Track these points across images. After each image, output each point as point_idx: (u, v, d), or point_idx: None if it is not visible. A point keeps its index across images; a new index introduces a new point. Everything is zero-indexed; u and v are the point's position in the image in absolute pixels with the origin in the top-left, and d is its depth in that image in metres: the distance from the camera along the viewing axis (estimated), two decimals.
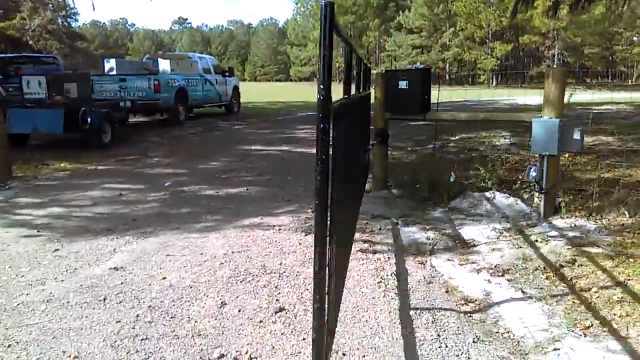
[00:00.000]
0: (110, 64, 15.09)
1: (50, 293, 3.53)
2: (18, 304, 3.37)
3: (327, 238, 1.84)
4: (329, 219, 1.82)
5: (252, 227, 4.97)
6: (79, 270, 3.95)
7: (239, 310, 3.23)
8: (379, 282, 3.64)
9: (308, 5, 76.40)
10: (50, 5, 45.72)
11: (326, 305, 1.91)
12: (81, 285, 3.65)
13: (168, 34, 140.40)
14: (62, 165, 8.67)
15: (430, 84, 5.98)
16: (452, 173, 6.01)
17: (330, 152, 1.78)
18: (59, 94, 10.45)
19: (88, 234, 4.82)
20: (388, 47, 68.47)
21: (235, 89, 18.50)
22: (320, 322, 1.85)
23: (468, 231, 4.81)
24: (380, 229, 4.92)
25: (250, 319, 3.12)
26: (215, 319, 3.12)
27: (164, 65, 14.68)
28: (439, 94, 6.36)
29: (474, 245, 4.45)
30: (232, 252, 4.27)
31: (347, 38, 2.53)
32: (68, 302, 3.41)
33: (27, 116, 9.99)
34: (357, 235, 4.68)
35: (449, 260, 4.12)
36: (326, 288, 1.89)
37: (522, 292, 3.52)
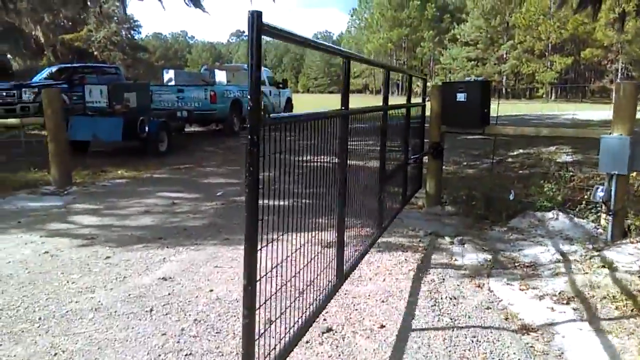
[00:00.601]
0: (169, 74, 15.49)
1: (99, 301, 3.53)
2: (67, 311, 3.38)
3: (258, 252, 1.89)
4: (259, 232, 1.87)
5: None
6: (128, 279, 3.95)
7: (285, 328, 3.11)
8: (432, 306, 3.45)
9: (362, 17, 76.56)
10: (115, 18, 47.86)
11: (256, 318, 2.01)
12: (129, 295, 3.64)
13: (226, 46, 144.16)
14: (119, 172, 8.87)
15: (490, 97, 5.74)
16: (512, 191, 5.72)
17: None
18: (119, 103, 10.76)
19: (140, 243, 4.85)
20: (443, 60, 67.59)
21: (289, 100, 18.61)
22: (249, 338, 1.99)
23: (528, 253, 4.54)
24: (433, 247, 4.71)
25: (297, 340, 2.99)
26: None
27: (221, 76, 14.94)
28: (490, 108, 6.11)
29: (535, 269, 4.18)
30: (280, 266, 4.16)
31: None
32: (115, 311, 3.40)
33: (88, 124, 10.32)
34: (409, 253, 4.51)
35: (508, 284, 3.87)
36: (257, 303, 1.99)
37: (589, 322, 3.24)
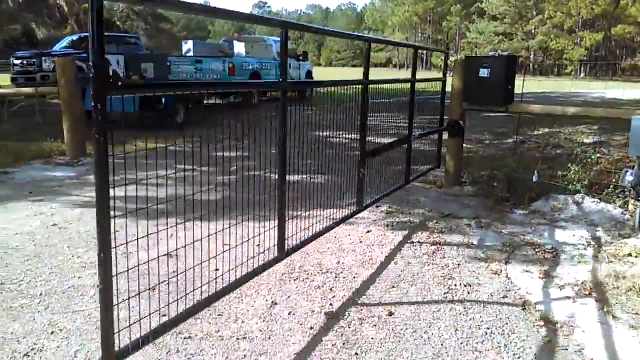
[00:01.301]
0: (187, 45, 15.30)
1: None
2: (69, 287, 3.30)
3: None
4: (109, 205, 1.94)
5: (312, 220, 4.72)
6: (133, 254, 3.85)
7: (290, 313, 2.99)
8: (445, 293, 3.28)
9: None
10: None
11: (113, 287, 2.02)
12: (132, 272, 3.54)
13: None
14: (135, 144, 8.79)
15: (515, 74, 5.45)
16: (536, 172, 5.47)
17: None
18: (136, 73, 10.65)
19: (149, 217, 4.74)
20: (469, 35, 66.04)
21: (309, 73, 18.32)
22: (107, 303, 2.00)
23: (550, 239, 4.33)
24: (450, 230, 4.52)
25: (301, 324, 2.87)
26: (264, 321, 2.90)
27: (239, 48, 14.70)
28: (516, 84, 5.82)
29: (557, 256, 3.97)
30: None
31: None
32: (118, 289, 3.30)
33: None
34: (424, 236, 4.33)
35: (527, 271, 3.68)
36: (113, 270, 2.01)
37: (613, 316, 3.05)
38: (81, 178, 6.30)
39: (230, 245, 3.04)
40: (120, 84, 1.97)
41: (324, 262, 3.73)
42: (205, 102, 15.33)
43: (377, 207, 5.12)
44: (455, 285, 3.40)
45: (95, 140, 1.81)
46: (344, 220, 3.91)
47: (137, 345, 2.18)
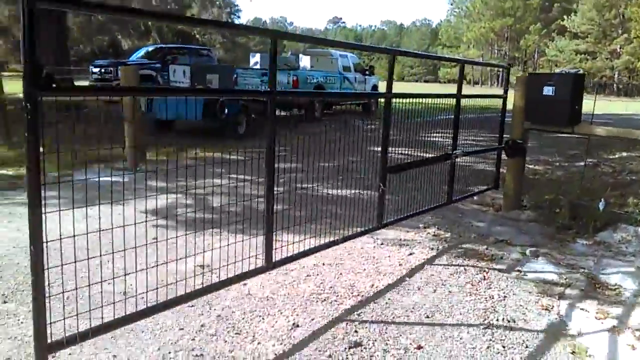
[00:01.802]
0: (255, 58, 15.55)
1: (131, 284, 3.40)
2: (97, 293, 3.27)
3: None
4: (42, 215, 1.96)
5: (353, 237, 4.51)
6: (167, 263, 3.80)
7: (310, 337, 2.80)
8: (485, 328, 2.98)
9: (463, 6, 73.66)
10: (217, 2, 49.62)
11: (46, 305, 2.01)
12: (162, 280, 3.48)
13: (323, 32, 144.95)
14: (195, 152, 8.93)
15: (583, 93, 5.02)
16: (602, 200, 5.00)
17: None
18: (201, 84, 10.88)
19: (190, 226, 4.70)
20: (548, 52, 63.55)
21: (374, 88, 18.12)
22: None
23: (614, 274, 3.89)
24: (502, 257, 4.18)
25: (320, 351, 2.67)
26: (281, 344, 2.73)
27: (305, 61, 14.76)
28: (597, 105, 5.37)
29: (620, 294, 3.55)
30: (323, 264, 3.85)
31: None
32: (142, 298, 3.25)
33: (171, 103, 10.51)
34: (471, 262, 4.02)
35: (582, 309, 3.30)
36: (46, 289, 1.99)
37: None
38: (134, 184, 6.41)
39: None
40: (54, 85, 1.94)
41: (357, 284, 3.52)
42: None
43: (425, 228, 4.85)
44: (497, 320, 3.09)
45: (26, 140, 1.84)
46: (355, 236, 3.77)
47: (74, 339, 2.22)
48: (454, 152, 4.62)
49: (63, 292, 2.61)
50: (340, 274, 3.68)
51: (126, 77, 7.45)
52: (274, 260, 3.06)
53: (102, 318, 2.43)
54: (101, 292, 2.73)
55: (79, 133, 8.50)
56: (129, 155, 7.62)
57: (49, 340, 2.07)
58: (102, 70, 16.91)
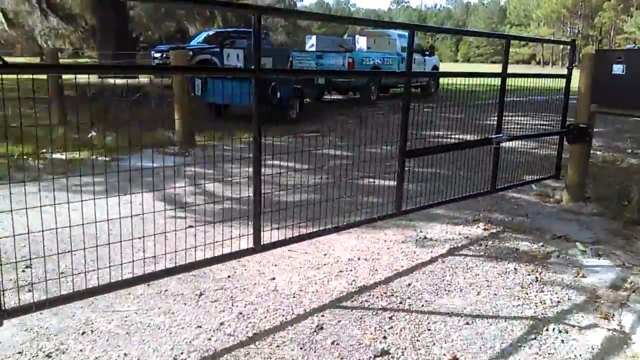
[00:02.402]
0: (311, 40, 15.30)
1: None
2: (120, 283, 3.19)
3: None
4: None
5: (393, 231, 4.23)
6: (193, 256, 3.69)
7: (333, 342, 2.58)
8: (532, 339, 2.65)
9: None
10: None
11: None
12: (188, 273, 3.36)
13: (387, 13, 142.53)
14: (245, 137, 8.84)
15: None
16: None
17: None
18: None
19: (226, 216, 4.57)
20: (626, 29, 59.39)
21: (435, 68, 17.48)
22: None
23: None
24: (558, 256, 3.78)
25: (342, 359, 2.44)
26: (302, 348, 2.52)
27: (362, 42, 14.37)
28: None
29: None
30: (358, 259, 3.61)
31: None
32: (166, 290, 3.14)
33: (223, 87, 10.48)
34: (523, 261, 3.66)
35: None
36: None
37: None
38: (180, 169, 6.37)
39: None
40: (2, 63, 1.82)
41: (392, 283, 3.25)
42: (327, 97, 15.29)
43: (474, 221, 4.50)
44: (547, 330, 2.75)
45: None
46: (362, 223, 3.57)
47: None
48: (496, 136, 4.22)
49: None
50: (376, 270, 3.43)
51: (176, 61, 7.42)
52: (262, 243, 3.01)
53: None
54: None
55: (134, 117, 8.60)
56: (180, 138, 7.63)
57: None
58: (163, 55, 17.19)
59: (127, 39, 15.42)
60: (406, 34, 15.16)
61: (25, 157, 6.81)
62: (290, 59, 14.39)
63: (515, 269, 3.51)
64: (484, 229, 4.29)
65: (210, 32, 20.18)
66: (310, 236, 3.27)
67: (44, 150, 7.10)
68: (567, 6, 64.18)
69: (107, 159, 6.87)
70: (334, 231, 3.38)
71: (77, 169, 6.24)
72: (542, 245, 3.96)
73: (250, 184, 3.09)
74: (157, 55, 17.45)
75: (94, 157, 7.04)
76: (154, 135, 8.13)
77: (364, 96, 14.13)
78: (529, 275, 3.43)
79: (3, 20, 25.30)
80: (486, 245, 3.92)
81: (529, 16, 67.79)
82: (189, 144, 7.65)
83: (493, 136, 4.20)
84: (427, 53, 17.05)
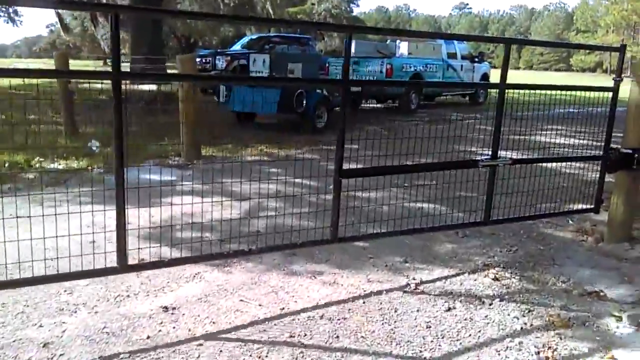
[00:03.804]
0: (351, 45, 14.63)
1: (63, 331, 2.69)
2: (16, 340, 2.60)
3: None
4: None
5: (381, 274, 3.47)
6: (126, 300, 3.07)
7: None
8: None
9: None
10: None
11: None
12: (108, 325, 2.74)
13: (447, 18, 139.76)
14: (260, 149, 8.27)
15: None
16: None
17: None
18: (281, 73, 10.18)
19: (194, 246, 3.94)
20: None
21: (484, 76, 16.38)
22: None
23: None
24: (585, 324, 2.91)
25: None
26: None
27: (403, 47, 13.54)
28: None
29: None
30: (320, 318, 2.85)
31: None
32: (63, 354, 2.53)
33: (247, 94, 9.95)
34: (534, 328, 2.83)
35: None
36: None
37: None
38: (176, 183, 5.82)
39: None
40: None
41: (354, 358, 2.50)
42: (363, 105, 14.53)
43: (485, 267, 3.66)
44: None
45: None
46: (280, 248, 3.14)
47: None
48: (485, 158, 3.45)
49: None
50: (337, 337, 2.68)
51: (183, 66, 6.92)
52: (129, 263, 2.67)
53: None
54: None
55: (145, 126, 8.15)
56: (185, 149, 7.12)
57: None
58: (203, 60, 16.96)
59: (160, 44, 15.16)
60: (455, 40, 14.13)
61: (20, 165, 6.49)
62: (327, 64, 13.75)
63: (520, 342, 2.68)
64: (494, 279, 3.45)
65: (254, 37, 19.88)
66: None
67: (41, 159, 6.76)
68: (639, 12, 60.35)
69: (101, 171, 6.43)
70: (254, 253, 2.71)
71: (68, 179, 5.83)
72: (565, 306, 3.10)
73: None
74: (198, 60, 17.23)
75: (90, 168, 6.64)
76: (161, 145, 7.66)
77: (402, 105, 13.28)
78: (541, 351, 2.60)
79: (59, 26, 26.04)
80: (490, 305, 3.09)
81: (596, 22, 64.23)
82: (193, 156, 7.12)
83: (482, 158, 3.45)
84: (477, 60, 15.97)
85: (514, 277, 3.49)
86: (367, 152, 3.74)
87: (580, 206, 4.38)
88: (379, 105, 14.88)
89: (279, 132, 10.00)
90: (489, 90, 15.70)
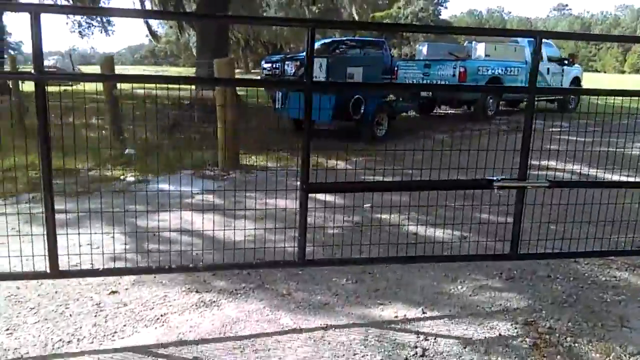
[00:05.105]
0: (423, 48, 13.71)
1: None
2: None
3: None
4: None
5: (377, 335, 2.72)
6: (119, 334, 2.56)
7: None
8: None
9: None
10: None
11: None
12: None
13: (544, 20, 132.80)
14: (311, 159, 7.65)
15: None
16: None
17: None
18: (339, 78, 9.55)
19: (204, 273, 3.37)
20: None
21: (576, 80, 14.82)
22: None
23: None
24: None
25: None
26: None
27: (479, 49, 12.45)
28: None
29: None
30: None
31: None
32: None
33: (297, 101, 9.40)
34: None
35: None
36: None
37: None
38: (207, 196, 5.36)
39: None
40: None
41: None
42: (436, 111, 13.56)
43: (527, 324, 2.80)
44: None
45: None
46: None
47: None
48: (500, 178, 2.64)
49: None
50: None
51: (219, 70, 6.49)
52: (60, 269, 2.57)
53: None
54: None
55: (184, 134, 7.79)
56: (222, 159, 6.67)
57: None
58: (272, 66, 16.72)
59: (224, 48, 15.00)
60: (544, 42, 12.79)
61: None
62: (396, 68, 12.96)
63: None
64: (533, 345, 2.59)
65: (327, 40, 19.40)
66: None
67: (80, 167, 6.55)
68: None
69: (134, 179, 6.12)
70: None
71: (99, 188, 5.51)
72: None
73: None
74: (267, 65, 17.02)
75: (123, 177, 6.36)
76: (199, 153, 7.26)
77: (477, 111, 12.19)
78: None
79: (148, 34, 27.10)
80: None
81: None
82: (230, 165, 6.66)
83: (496, 177, 2.68)
84: (567, 62, 14.46)
85: (562, 345, 2.60)
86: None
87: None
88: (453, 111, 13.84)
89: (339, 139, 9.33)
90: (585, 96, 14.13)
